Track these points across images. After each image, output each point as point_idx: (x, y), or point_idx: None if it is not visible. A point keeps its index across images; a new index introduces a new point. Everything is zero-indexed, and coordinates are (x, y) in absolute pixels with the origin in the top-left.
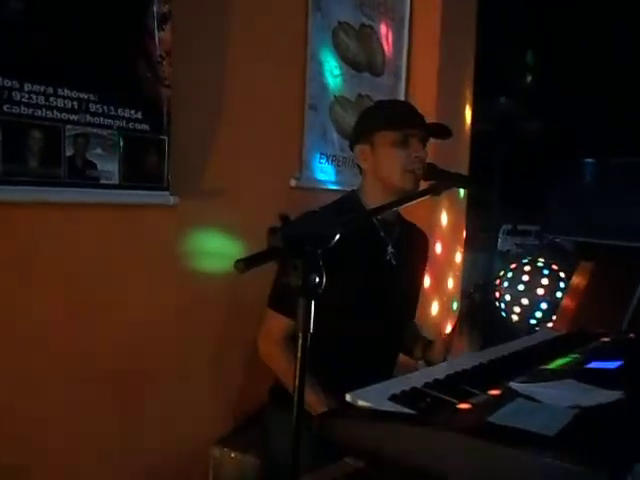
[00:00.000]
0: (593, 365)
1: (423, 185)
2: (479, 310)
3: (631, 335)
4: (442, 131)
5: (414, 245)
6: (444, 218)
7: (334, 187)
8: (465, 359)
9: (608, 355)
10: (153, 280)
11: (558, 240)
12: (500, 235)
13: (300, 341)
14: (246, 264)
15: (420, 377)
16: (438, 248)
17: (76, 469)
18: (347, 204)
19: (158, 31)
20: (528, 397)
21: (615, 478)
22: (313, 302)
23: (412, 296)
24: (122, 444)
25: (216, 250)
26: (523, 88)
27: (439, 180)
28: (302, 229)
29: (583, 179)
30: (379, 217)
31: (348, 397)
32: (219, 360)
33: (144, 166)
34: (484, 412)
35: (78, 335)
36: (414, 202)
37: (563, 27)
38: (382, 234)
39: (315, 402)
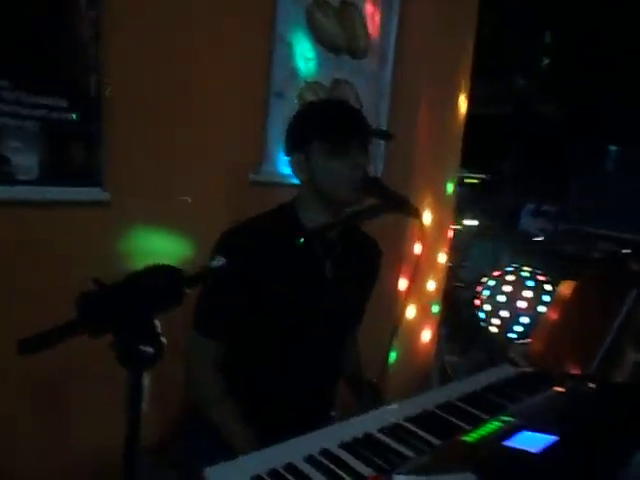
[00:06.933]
0: (516, 443)
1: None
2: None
3: (591, 385)
4: (382, 135)
5: (362, 259)
6: (426, 216)
7: None
8: (376, 417)
9: (546, 422)
10: (83, 284)
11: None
12: (522, 215)
13: (129, 419)
14: (33, 346)
15: (307, 444)
16: (417, 249)
17: None
18: (278, 222)
19: (88, 10)
20: None
21: None
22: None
23: (354, 313)
24: (44, 449)
25: (158, 253)
26: (541, 69)
27: (381, 200)
28: (128, 292)
29: (605, 166)
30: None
31: (205, 473)
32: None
33: (71, 160)
34: None
35: None
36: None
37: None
38: (320, 252)
39: (237, 439)
